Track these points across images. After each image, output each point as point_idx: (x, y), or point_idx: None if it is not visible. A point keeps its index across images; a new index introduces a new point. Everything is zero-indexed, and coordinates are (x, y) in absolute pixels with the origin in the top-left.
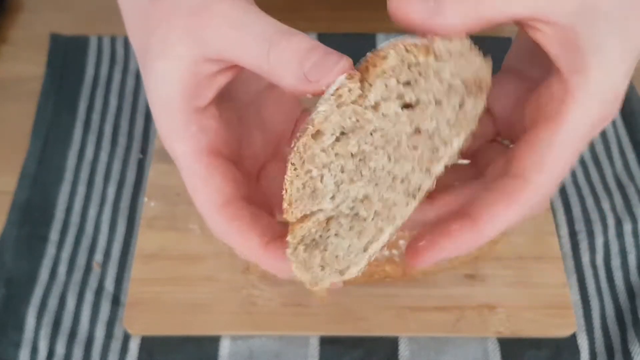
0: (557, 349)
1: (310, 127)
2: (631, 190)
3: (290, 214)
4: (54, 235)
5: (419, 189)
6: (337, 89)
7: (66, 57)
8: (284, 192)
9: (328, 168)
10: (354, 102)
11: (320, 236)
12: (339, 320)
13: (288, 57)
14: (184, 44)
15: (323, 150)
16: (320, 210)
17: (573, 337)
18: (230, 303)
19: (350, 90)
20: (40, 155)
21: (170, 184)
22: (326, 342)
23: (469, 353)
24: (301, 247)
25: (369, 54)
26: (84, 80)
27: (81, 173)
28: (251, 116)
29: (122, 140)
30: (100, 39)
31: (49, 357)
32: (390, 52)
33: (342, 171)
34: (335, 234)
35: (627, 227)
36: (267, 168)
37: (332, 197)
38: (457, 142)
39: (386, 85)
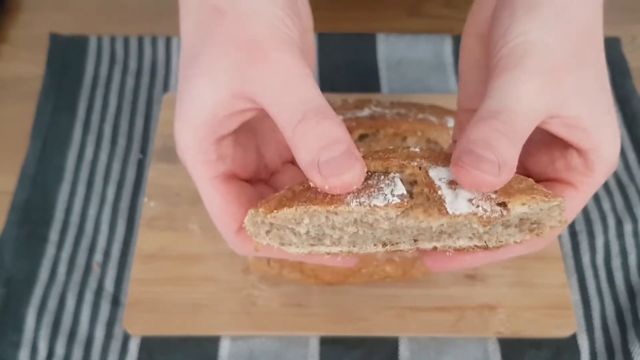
0: (558, 349)
1: (329, 207)
2: (631, 190)
3: (266, 217)
4: (53, 236)
5: (395, 245)
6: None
7: (66, 57)
8: (272, 198)
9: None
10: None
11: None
12: (339, 320)
13: (311, 139)
14: (230, 75)
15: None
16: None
17: (573, 337)
18: (230, 303)
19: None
20: (39, 155)
21: (170, 184)
22: (326, 343)
23: (469, 353)
24: (262, 218)
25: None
26: (83, 80)
27: (81, 173)
28: (266, 129)
29: (121, 140)
30: (99, 39)
31: (49, 358)
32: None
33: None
34: (294, 234)
35: (628, 227)
36: (277, 177)
37: (307, 232)
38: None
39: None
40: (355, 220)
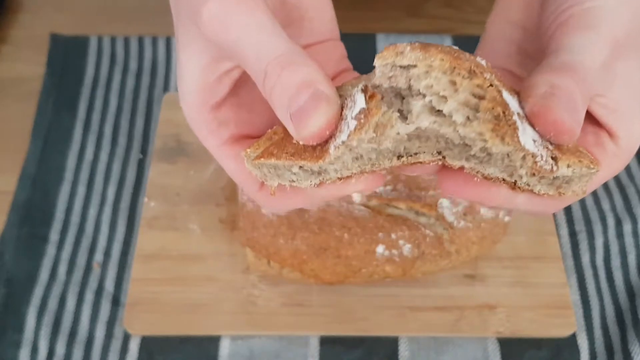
0: (557, 349)
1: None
2: (631, 191)
3: (254, 161)
4: (54, 235)
5: (413, 156)
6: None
7: (66, 57)
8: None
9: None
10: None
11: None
12: (339, 320)
13: (278, 93)
14: (200, 42)
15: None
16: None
17: (573, 337)
18: (230, 303)
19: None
20: (40, 155)
21: (170, 183)
22: (326, 342)
23: (469, 353)
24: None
25: None
26: (83, 80)
27: (81, 173)
28: None
29: (122, 140)
30: (100, 39)
31: (49, 357)
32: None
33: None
34: (294, 173)
35: (627, 227)
36: None
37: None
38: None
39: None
40: (343, 158)
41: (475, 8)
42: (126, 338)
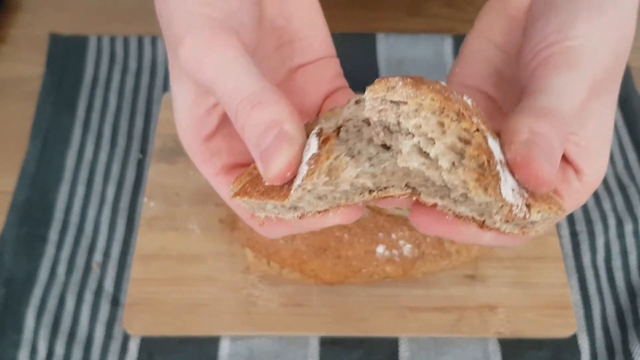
0: (558, 349)
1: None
2: (632, 191)
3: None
4: (53, 236)
5: (383, 190)
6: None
7: (65, 57)
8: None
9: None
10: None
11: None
12: (339, 320)
13: (248, 133)
14: (186, 77)
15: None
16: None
17: (574, 337)
18: (230, 303)
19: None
20: (39, 155)
21: (170, 184)
22: (326, 343)
23: (469, 353)
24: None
25: None
26: (83, 80)
27: (80, 173)
28: None
29: (121, 140)
30: (99, 39)
31: (48, 358)
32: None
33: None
34: (274, 207)
35: (628, 228)
36: None
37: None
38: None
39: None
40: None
41: (476, 8)
42: (125, 338)
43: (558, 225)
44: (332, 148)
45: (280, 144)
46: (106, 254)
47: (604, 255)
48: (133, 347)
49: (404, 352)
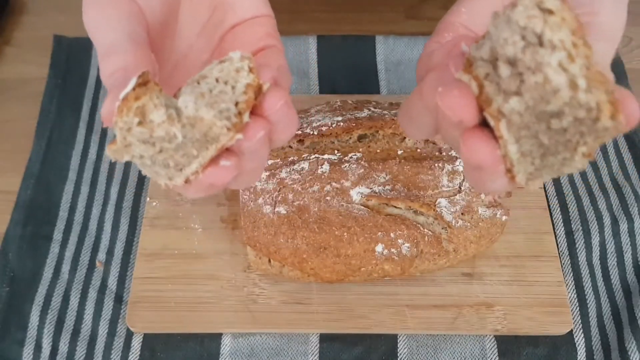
0: (554, 346)
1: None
2: (627, 190)
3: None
4: (57, 235)
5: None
6: None
7: (69, 59)
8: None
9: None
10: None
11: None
12: (338, 318)
13: (104, 80)
14: None
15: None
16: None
17: (570, 334)
18: (232, 301)
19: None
20: (43, 155)
21: None
22: (326, 340)
23: (467, 350)
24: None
25: None
26: (87, 81)
27: (84, 173)
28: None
29: None
30: None
31: (52, 355)
32: None
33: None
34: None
35: (623, 226)
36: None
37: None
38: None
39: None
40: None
41: None
42: (129, 335)
43: (554, 224)
44: (145, 91)
45: (111, 90)
46: (110, 253)
47: (599, 253)
48: (136, 344)
49: (402, 348)
